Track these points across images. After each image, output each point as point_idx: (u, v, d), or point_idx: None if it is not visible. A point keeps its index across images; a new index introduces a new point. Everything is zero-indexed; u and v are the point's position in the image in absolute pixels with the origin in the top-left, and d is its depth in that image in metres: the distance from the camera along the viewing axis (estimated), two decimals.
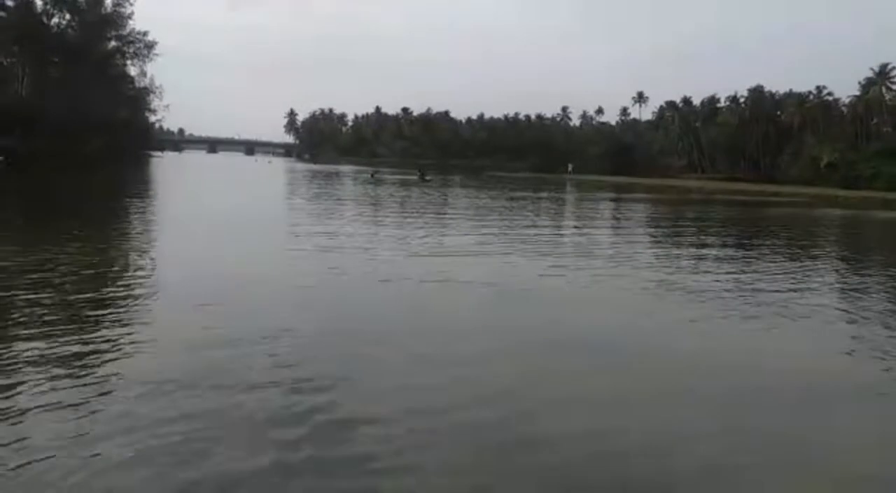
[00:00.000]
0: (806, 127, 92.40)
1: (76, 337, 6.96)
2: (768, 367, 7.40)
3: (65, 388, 5.53)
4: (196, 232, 16.59)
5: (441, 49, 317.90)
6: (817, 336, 8.87)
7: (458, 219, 23.99)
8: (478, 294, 10.44)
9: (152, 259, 12.28)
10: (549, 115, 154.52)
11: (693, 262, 15.39)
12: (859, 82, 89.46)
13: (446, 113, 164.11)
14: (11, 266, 10.46)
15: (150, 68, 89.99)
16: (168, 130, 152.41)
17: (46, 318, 7.61)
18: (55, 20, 68.97)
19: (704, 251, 17.92)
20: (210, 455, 4.52)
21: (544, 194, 45.58)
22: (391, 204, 30.79)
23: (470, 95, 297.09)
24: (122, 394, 5.48)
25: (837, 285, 13.08)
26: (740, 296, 11.15)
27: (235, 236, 15.94)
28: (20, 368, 5.94)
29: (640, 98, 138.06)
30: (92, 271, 10.69)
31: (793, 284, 12.57)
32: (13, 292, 8.70)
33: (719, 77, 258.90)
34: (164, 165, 69.50)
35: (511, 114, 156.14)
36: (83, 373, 5.90)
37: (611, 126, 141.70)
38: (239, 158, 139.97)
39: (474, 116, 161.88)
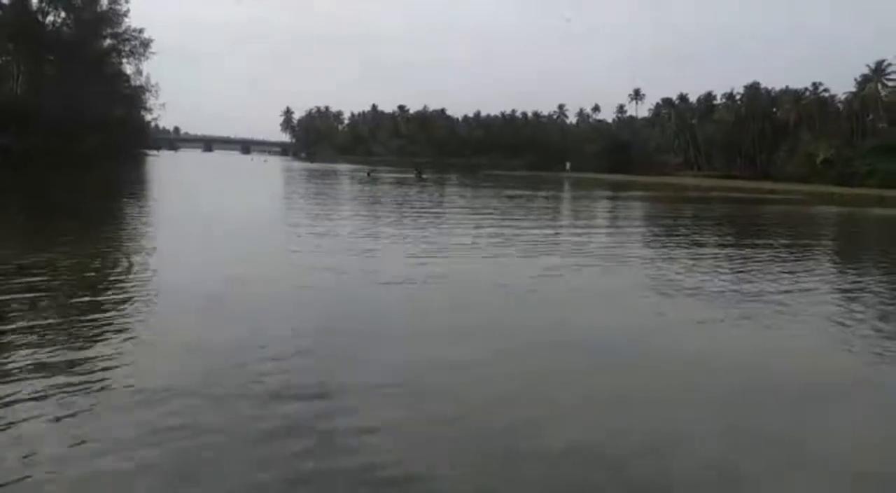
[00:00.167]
0: (802, 124, 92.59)
1: (71, 343, 6.88)
2: (769, 366, 7.40)
3: (61, 397, 5.44)
4: (192, 233, 16.45)
5: (438, 47, 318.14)
6: (816, 335, 8.86)
7: (456, 218, 23.95)
8: (480, 294, 10.38)
9: (148, 261, 12.09)
10: (545, 112, 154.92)
11: (691, 260, 15.36)
12: (855, 79, 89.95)
13: (443, 111, 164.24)
14: (6, 268, 10.35)
15: (146, 66, 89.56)
16: (164, 128, 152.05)
17: (41, 323, 7.52)
18: (50, 18, 68.71)
19: (702, 250, 17.92)
20: (212, 467, 4.46)
21: (542, 193, 45.57)
22: (389, 203, 30.74)
23: (467, 93, 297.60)
24: (120, 403, 5.40)
25: (835, 284, 13.06)
26: (739, 294, 11.13)
27: (232, 237, 15.84)
28: (14, 376, 5.84)
29: (637, 95, 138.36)
30: (87, 274, 10.58)
31: (791, 282, 12.56)
32: (5, 296, 8.60)
33: (716, 74, 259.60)
34: (160, 164, 69.38)
35: (508, 112, 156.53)
36: (79, 382, 5.80)
37: (607, 124, 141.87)
38: (235, 156, 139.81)
39: (471, 114, 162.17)
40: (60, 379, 5.81)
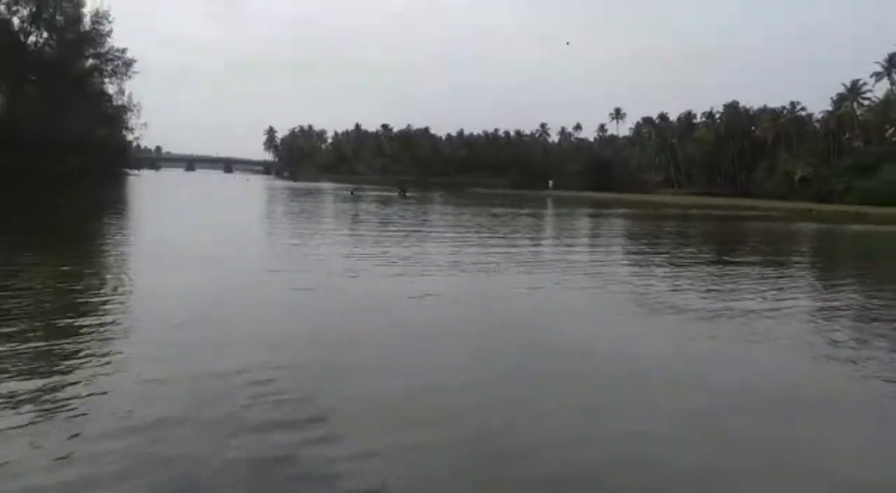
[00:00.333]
0: (780, 142, 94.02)
1: (45, 369, 6.74)
2: (748, 378, 7.55)
3: (38, 424, 5.32)
4: (169, 255, 15.94)
5: (422, 66, 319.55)
6: (795, 347, 9.01)
7: (440, 236, 24.06)
8: (468, 317, 10.35)
9: (123, 287, 11.47)
10: (527, 131, 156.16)
11: (671, 277, 15.57)
12: (831, 98, 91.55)
13: (426, 130, 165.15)
14: None
15: (129, 86, 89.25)
16: (146, 147, 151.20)
17: (12, 352, 7.33)
18: (33, 38, 68.39)
19: (682, 266, 18.13)
20: None
21: (526, 211, 45.89)
22: (373, 222, 30.82)
23: (450, 112, 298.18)
24: (92, 432, 5.20)
25: (814, 297, 13.30)
26: (721, 309, 11.30)
27: (211, 261, 15.21)
28: None
29: (618, 114, 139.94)
30: (62, 299, 10.46)
31: (771, 296, 12.78)
32: None
33: (696, 93, 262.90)
34: (141, 184, 69.05)
35: (491, 130, 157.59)
36: (48, 412, 5.61)
37: (589, 142, 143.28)
38: (217, 176, 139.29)
39: (454, 133, 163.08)
40: (35, 406, 5.70)
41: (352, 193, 60.14)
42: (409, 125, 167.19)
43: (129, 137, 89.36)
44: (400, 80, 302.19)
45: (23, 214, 26.90)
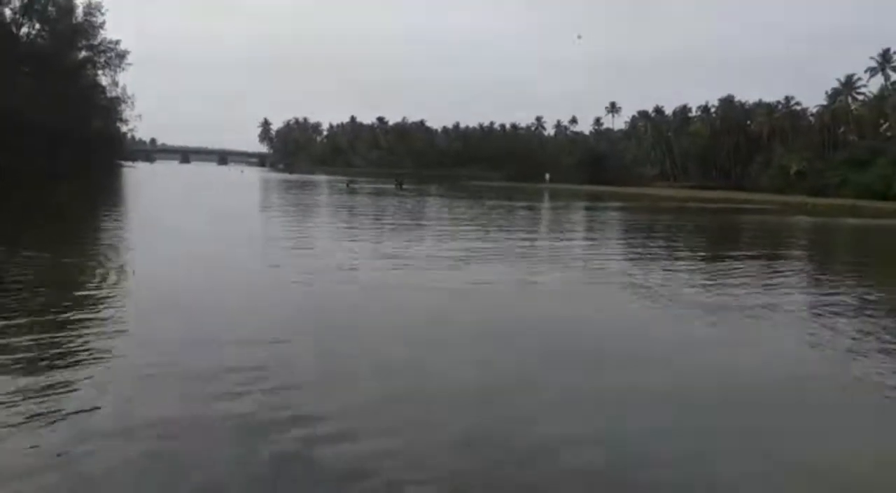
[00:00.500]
0: (775, 136, 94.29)
1: (42, 366, 6.69)
2: (744, 370, 7.61)
3: (36, 423, 5.24)
4: (166, 249, 15.88)
5: (417, 59, 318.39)
6: (789, 339, 9.08)
7: (438, 229, 24.04)
8: (471, 318, 10.22)
9: (119, 284, 11.12)
10: (523, 124, 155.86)
11: (669, 269, 15.59)
12: (826, 92, 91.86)
13: (422, 122, 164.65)
14: None
15: (122, 77, 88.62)
16: (140, 139, 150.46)
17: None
18: (25, 30, 67.89)
19: (679, 258, 18.17)
20: None
21: (523, 204, 45.87)
22: (372, 214, 30.77)
23: (446, 104, 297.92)
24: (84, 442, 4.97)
25: (809, 290, 13.35)
26: (718, 301, 11.33)
27: (209, 257, 14.63)
28: None
29: (613, 108, 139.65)
30: (59, 292, 10.43)
31: (767, 289, 12.81)
32: None
33: (692, 86, 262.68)
34: (136, 176, 68.74)
35: (486, 123, 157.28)
36: (53, 408, 5.53)
37: (584, 136, 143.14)
38: (211, 167, 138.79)
39: (450, 126, 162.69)
40: (33, 404, 5.63)
41: (347, 185, 59.93)
42: (404, 118, 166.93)
43: (124, 128, 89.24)
44: (396, 73, 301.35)
45: (18, 208, 26.72)
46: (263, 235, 20.47)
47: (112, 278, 11.32)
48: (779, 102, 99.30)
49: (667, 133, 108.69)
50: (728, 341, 8.89)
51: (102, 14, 71.66)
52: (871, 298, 12.55)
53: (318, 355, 7.35)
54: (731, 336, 9.18)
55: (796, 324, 10.01)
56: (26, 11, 66.03)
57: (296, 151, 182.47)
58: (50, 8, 66.91)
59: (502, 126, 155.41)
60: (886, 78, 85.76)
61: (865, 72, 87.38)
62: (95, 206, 29.07)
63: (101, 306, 9.18)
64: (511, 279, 13.05)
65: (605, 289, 12.44)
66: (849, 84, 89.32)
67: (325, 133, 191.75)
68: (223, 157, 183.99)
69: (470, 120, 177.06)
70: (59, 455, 4.69)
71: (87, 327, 7.95)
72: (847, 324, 10.02)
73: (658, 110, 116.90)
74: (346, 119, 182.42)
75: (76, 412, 5.41)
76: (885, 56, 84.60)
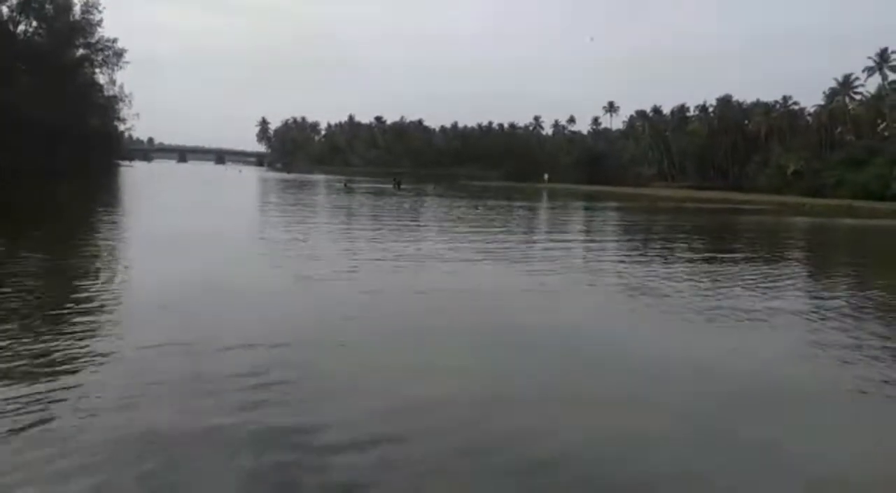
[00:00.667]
0: (772, 136, 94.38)
1: (37, 366, 6.71)
2: (738, 371, 7.65)
3: (35, 430, 5.20)
4: (165, 252, 15.52)
5: (415, 56, 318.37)
6: (784, 341, 9.12)
7: (438, 229, 24.02)
8: (471, 321, 10.18)
9: (119, 285, 11.11)
10: (521, 123, 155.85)
11: (667, 271, 15.59)
12: (824, 92, 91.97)
13: (420, 122, 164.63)
14: None
15: (120, 76, 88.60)
16: (137, 139, 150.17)
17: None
18: (22, 27, 67.69)
19: (676, 260, 18.16)
20: None
21: (522, 204, 45.87)
22: (371, 214, 30.74)
23: (444, 104, 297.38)
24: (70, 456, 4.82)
25: (808, 292, 13.37)
26: (714, 303, 11.35)
27: (209, 258, 14.59)
28: None
29: (611, 108, 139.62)
30: (51, 294, 10.45)
31: (765, 291, 12.82)
32: None
33: (690, 86, 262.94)
34: (133, 175, 68.62)
35: (484, 123, 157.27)
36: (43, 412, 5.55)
37: (582, 135, 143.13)
38: (209, 167, 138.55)
39: (448, 125, 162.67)
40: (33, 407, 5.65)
41: (345, 185, 59.74)
42: (402, 117, 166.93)
43: (121, 127, 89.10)
44: (395, 73, 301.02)
45: (17, 207, 26.67)
46: (262, 236, 20.44)
47: (111, 278, 11.31)
48: (776, 102, 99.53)
49: (664, 133, 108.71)
50: (726, 344, 8.89)
51: (100, 12, 71.59)
52: (871, 299, 12.58)
53: (319, 358, 7.37)
54: (729, 339, 9.19)
55: (796, 326, 10.02)
56: (24, 9, 65.83)
57: (294, 150, 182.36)
58: (47, 5, 66.71)
59: (500, 126, 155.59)
60: (884, 78, 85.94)
61: (863, 71, 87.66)
62: (96, 205, 28.99)
63: (97, 307, 9.17)
64: (511, 281, 13.06)
65: (605, 291, 12.45)
66: (846, 84, 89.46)
67: (322, 132, 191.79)
68: (221, 156, 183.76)
69: (468, 119, 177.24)
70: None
71: (84, 329, 7.95)
72: (847, 326, 10.04)
73: (656, 110, 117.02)
74: (344, 118, 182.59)
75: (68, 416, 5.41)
76: (882, 56, 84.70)
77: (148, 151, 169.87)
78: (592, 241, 24.09)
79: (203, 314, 9.15)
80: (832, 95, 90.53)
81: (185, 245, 16.09)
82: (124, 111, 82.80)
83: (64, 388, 6.02)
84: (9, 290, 9.83)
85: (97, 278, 11.41)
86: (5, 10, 65.20)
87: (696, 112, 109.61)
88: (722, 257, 19.20)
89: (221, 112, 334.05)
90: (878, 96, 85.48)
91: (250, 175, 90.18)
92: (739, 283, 13.92)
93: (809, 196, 69.82)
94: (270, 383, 6.40)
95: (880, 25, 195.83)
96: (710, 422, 6.11)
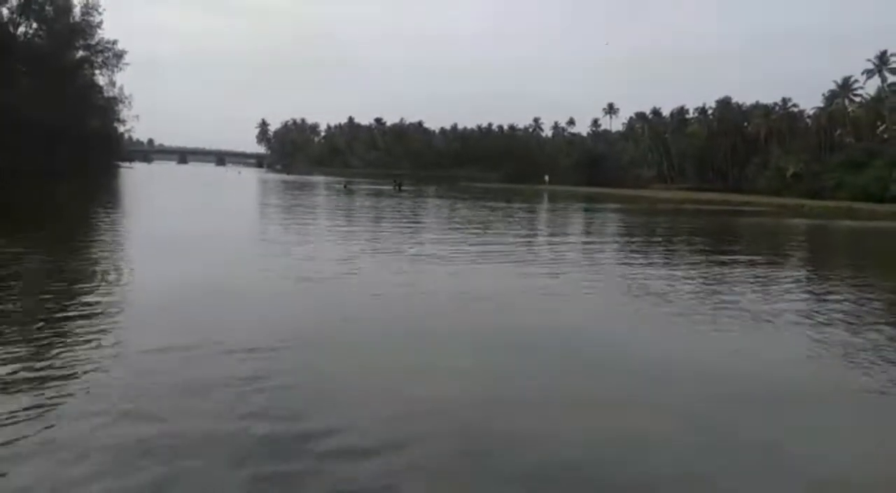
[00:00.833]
0: (772, 138, 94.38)
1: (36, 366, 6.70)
2: (740, 373, 7.64)
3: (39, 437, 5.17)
4: (165, 253, 15.37)
5: (415, 56, 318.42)
6: (786, 343, 9.12)
7: (439, 231, 24.02)
8: (472, 324, 10.17)
9: (116, 288, 10.95)
10: (521, 125, 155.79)
11: (667, 272, 15.59)
12: (823, 94, 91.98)
13: (420, 123, 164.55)
14: None
15: (120, 78, 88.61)
16: (138, 140, 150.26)
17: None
18: (22, 29, 67.67)
19: (677, 262, 18.18)
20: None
21: (523, 205, 45.87)
22: (371, 216, 30.72)
23: (444, 105, 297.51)
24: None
25: (808, 293, 13.36)
26: (715, 305, 11.35)
27: (209, 259, 14.60)
28: None
29: (611, 110, 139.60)
30: (46, 299, 10.42)
31: (766, 292, 12.83)
32: None
33: (690, 87, 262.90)
34: (133, 177, 68.62)
35: (484, 125, 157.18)
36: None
37: (582, 137, 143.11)
38: (209, 168, 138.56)
39: (448, 127, 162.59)
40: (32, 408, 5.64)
41: (345, 186, 59.73)
42: (402, 119, 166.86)
43: (121, 129, 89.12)
44: (394, 73, 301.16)
45: (16, 207, 26.65)
46: (263, 237, 20.44)
47: (112, 280, 11.29)
48: (776, 104, 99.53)
49: (664, 134, 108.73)
50: (727, 346, 8.88)
51: (100, 14, 71.52)
52: (872, 301, 12.58)
53: (320, 360, 7.36)
54: (730, 341, 9.18)
55: (798, 328, 10.02)
56: (24, 10, 65.81)
57: (293, 151, 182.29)
58: (47, 7, 66.68)
59: (500, 127, 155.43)
60: (883, 80, 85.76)
61: (862, 74, 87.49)
62: (95, 206, 28.97)
63: (98, 309, 9.15)
64: (511, 282, 13.05)
65: (606, 293, 12.44)
66: (846, 86, 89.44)
67: (322, 134, 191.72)
68: (221, 158, 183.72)
69: (468, 120, 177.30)
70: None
71: (85, 332, 7.94)
72: (848, 328, 10.04)
73: (655, 112, 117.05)
74: (343, 120, 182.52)
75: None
76: (882, 58, 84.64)
77: (148, 152, 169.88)
78: (593, 242, 24.09)
79: (204, 316, 9.14)
80: (832, 97, 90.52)
81: (185, 247, 16.07)
82: (124, 112, 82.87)
83: (64, 394, 5.99)
84: (9, 290, 9.81)
85: (98, 279, 11.40)
86: (5, 11, 65.19)
87: (696, 114, 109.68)
88: (722, 259, 19.18)
89: (222, 113, 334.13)
90: (878, 99, 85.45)
91: (250, 177, 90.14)
92: (740, 284, 13.94)
93: (809, 198, 69.77)
94: (271, 386, 6.37)
95: (880, 26, 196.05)
96: (711, 423, 6.11)
